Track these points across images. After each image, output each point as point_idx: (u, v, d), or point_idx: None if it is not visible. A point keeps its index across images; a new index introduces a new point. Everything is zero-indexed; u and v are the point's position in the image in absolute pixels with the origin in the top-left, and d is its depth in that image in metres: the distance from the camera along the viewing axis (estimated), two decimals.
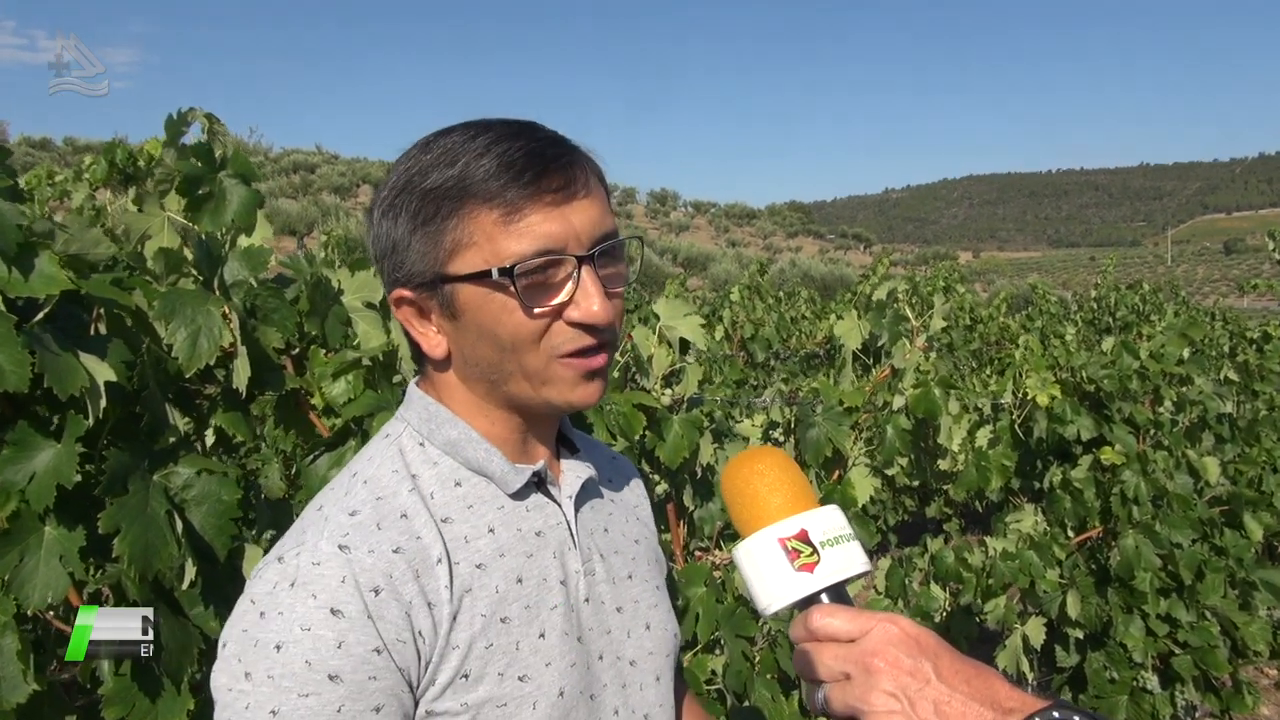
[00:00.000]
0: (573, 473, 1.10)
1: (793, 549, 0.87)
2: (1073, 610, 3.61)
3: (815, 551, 0.87)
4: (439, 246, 0.94)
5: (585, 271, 0.94)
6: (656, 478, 2.48)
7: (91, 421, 1.32)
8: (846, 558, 0.88)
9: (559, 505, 1.07)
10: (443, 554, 0.94)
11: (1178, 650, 3.76)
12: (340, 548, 0.89)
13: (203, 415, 1.65)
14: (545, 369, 0.96)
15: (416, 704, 0.92)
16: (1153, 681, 3.79)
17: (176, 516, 1.40)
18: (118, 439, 1.38)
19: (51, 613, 1.45)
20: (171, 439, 1.46)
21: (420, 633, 0.90)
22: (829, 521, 0.89)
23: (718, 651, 2.36)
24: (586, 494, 1.12)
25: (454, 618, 0.92)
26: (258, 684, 0.85)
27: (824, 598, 0.87)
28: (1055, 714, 0.77)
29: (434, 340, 1.00)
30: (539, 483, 1.06)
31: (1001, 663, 3.58)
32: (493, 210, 0.91)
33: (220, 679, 0.88)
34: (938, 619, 3.34)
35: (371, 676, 0.86)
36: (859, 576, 0.90)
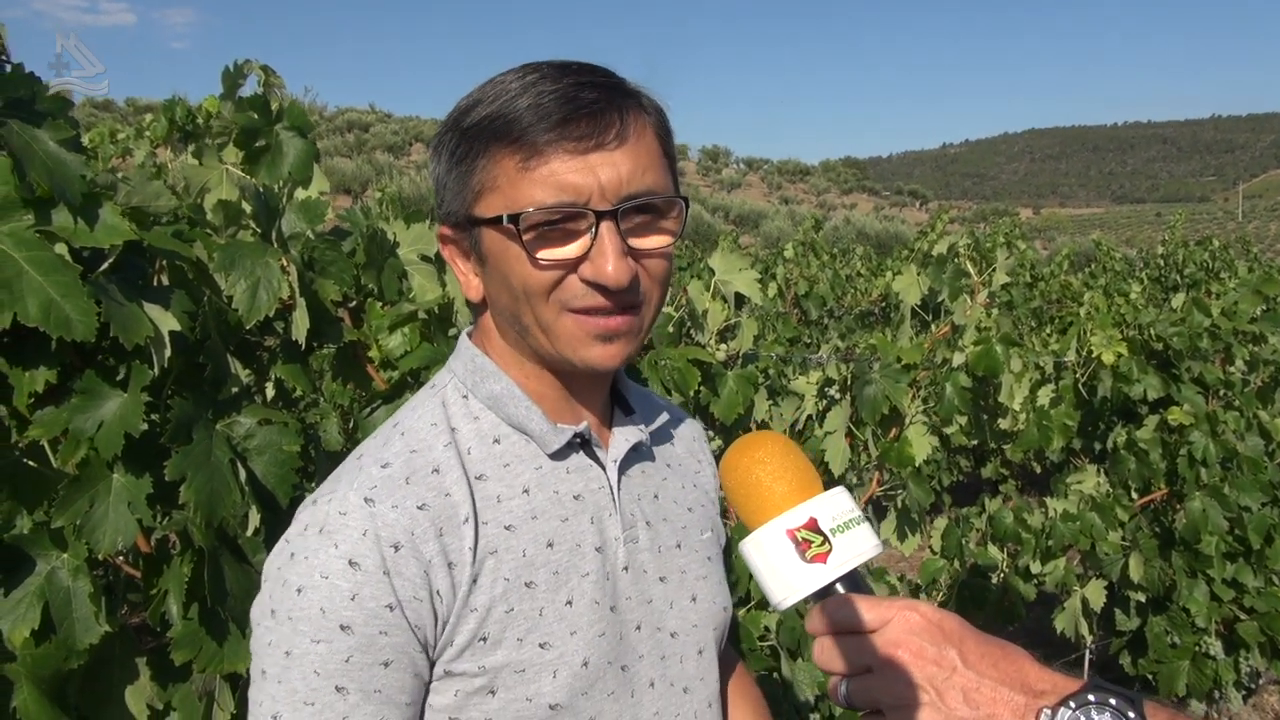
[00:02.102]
0: (622, 435, 1.05)
1: (803, 539, 0.83)
2: (1135, 573, 3.55)
3: (826, 540, 0.83)
4: (468, 187, 0.92)
5: (605, 228, 0.88)
6: (710, 434, 2.47)
7: (156, 371, 1.34)
8: (858, 542, 0.84)
9: (603, 468, 1.02)
10: (470, 513, 0.92)
11: (1243, 616, 3.68)
12: (366, 500, 0.88)
13: (263, 367, 1.67)
14: (555, 322, 0.92)
15: (433, 663, 0.91)
16: (1216, 647, 3.71)
17: (239, 465, 1.42)
18: (182, 389, 1.40)
19: (121, 558, 1.49)
20: (234, 389, 1.48)
21: (438, 592, 0.88)
22: (838, 506, 0.85)
23: (771, 608, 2.35)
24: (636, 457, 1.07)
25: (474, 580, 0.90)
26: (279, 622, 0.86)
27: (839, 587, 0.83)
28: (1091, 696, 0.73)
29: (472, 282, 0.99)
30: (582, 444, 1.01)
31: (1060, 625, 3.54)
32: (515, 154, 0.88)
33: (255, 610, 0.90)
34: (994, 580, 3.30)
35: (382, 631, 0.86)
36: (872, 559, 0.87)
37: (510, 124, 0.88)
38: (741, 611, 2.24)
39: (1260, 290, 4.22)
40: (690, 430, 1.24)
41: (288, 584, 0.87)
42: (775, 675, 2.21)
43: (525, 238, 0.88)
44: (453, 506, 0.91)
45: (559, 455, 0.99)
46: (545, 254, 0.89)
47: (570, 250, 0.89)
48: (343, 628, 0.85)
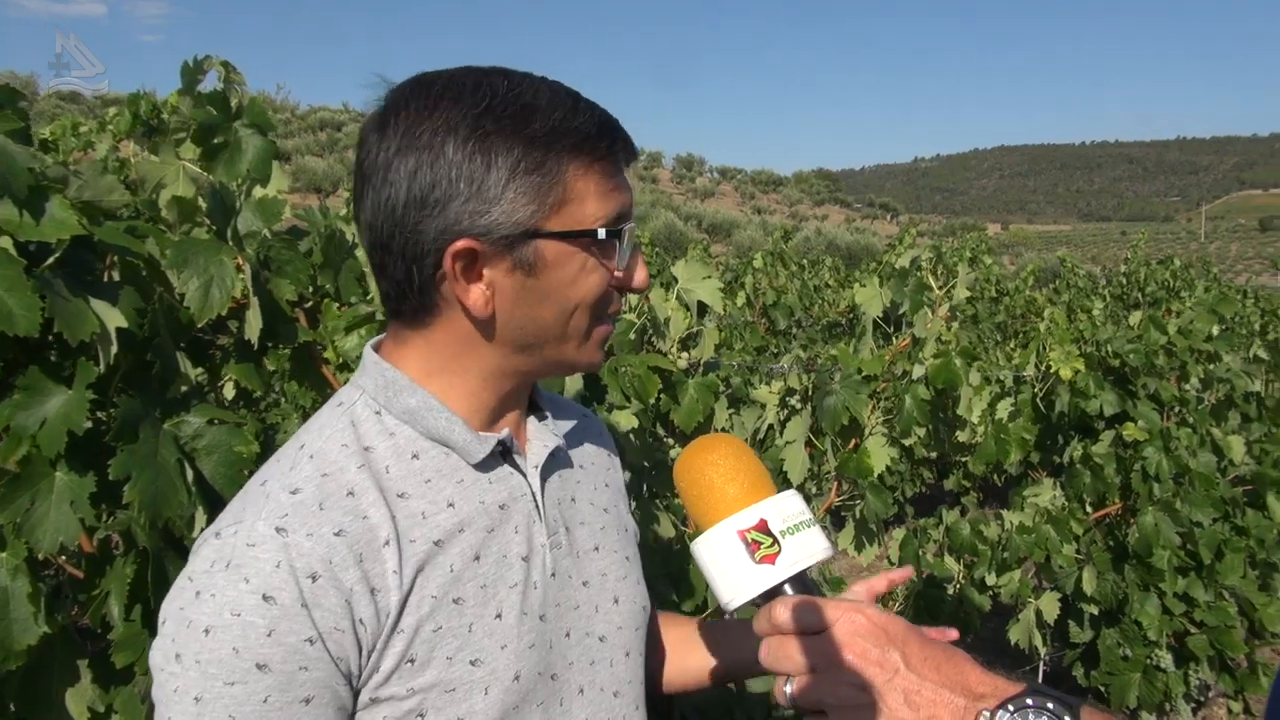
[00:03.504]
0: (539, 440, 1.04)
1: (753, 540, 0.85)
2: (1088, 586, 3.60)
3: (775, 541, 0.85)
4: (541, 199, 0.89)
5: (631, 240, 0.97)
6: (670, 441, 2.47)
7: (102, 368, 1.32)
8: (807, 544, 0.87)
9: (524, 476, 1.01)
10: (391, 535, 0.89)
11: (1194, 629, 3.74)
12: (277, 530, 0.84)
13: (215, 366, 1.65)
14: (590, 331, 0.97)
15: (358, 692, 0.88)
16: (1167, 660, 3.77)
17: (187, 465, 1.41)
18: (129, 387, 1.38)
19: (64, 557, 1.47)
20: (183, 388, 1.46)
21: (361, 620, 0.85)
22: (788, 509, 0.88)
23: (721, 608, 2.36)
24: (554, 462, 1.06)
25: (401, 602, 0.88)
26: (186, 667, 0.82)
27: (788, 588, 0.85)
28: (1029, 700, 0.75)
29: (480, 297, 0.91)
30: (504, 452, 1.00)
31: (1014, 636, 3.58)
32: (593, 169, 0.91)
33: (155, 656, 0.85)
34: (950, 591, 3.33)
35: (303, 667, 0.82)
36: (821, 562, 0.89)
37: (591, 138, 0.91)
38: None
39: (1215, 310, 4.30)
40: (597, 427, 1.25)
41: (193, 625, 0.82)
42: (729, 684, 2.21)
43: (620, 248, 0.94)
44: (371, 529, 0.88)
45: (482, 466, 0.98)
46: (617, 268, 0.95)
47: (623, 261, 0.96)
48: (259, 667, 0.81)
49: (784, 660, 0.82)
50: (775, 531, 0.86)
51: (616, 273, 0.95)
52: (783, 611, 0.83)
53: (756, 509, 0.87)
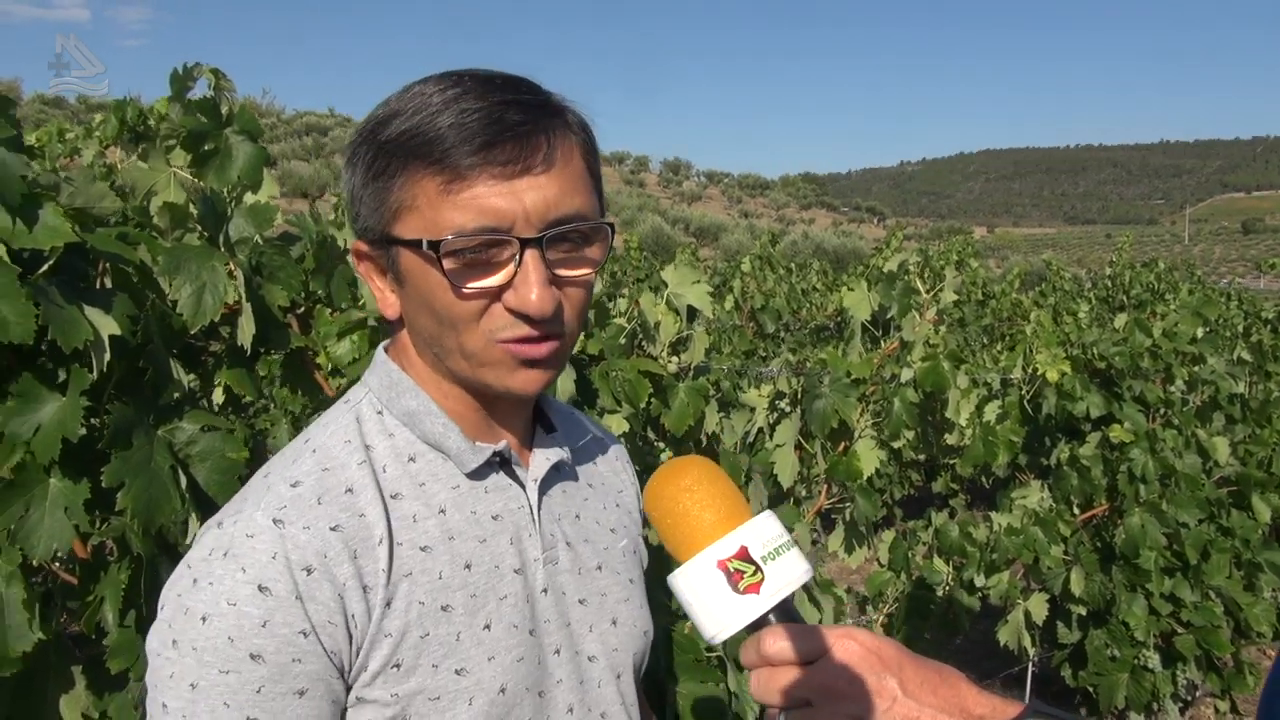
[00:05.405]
0: (543, 454, 1.02)
1: (735, 570, 0.80)
2: (1076, 587, 3.62)
3: (758, 569, 0.80)
4: (384, 205, 0.88)
5: (529, 256, 0.86)
6: (661, 445, 2.48)
7: (95, 375, 1.32)
8: (790, 569, 0.82)
9: (522, 488, 1.00)
10: (385, 534, 0.89)
11: (1180, 630, 3.77)
12: (275, 521, 0.84)
13: (208, 372, 1.65)
14: (483, 351, 0.89)
15: (350, 688, 0.88)
16: (1154, 660, 3.80)
17: (180, 471, 1.41)
18: (122, 393, 1.38)
19: (58, 564, 1.47)
20: (176, 394, 1.46)
21: (353, 616, 0.85)
22: (767, 532, 0.83)
23: (705, 640, 2.36)
24: (558, 476, 1.05)
25: (388, 604, 0.87)
26: (183, 654, 0.82)
27: (771, 616, 0.81)
28: None
29: (389, 299, 0.94)
30: (502, 463, 0.98)
31: (1003, 638, 3.60)
32: (437, 175, 0.84)
33: (152, 641, 0.85)
34: (940, 593, 3.35)
35: (296, 659, 0.82)
36: (802, 585, 0.85)
37: (431, 143, 0.84)
38: (686, 625, 2.26)
39: (1200, 312, 4.35)
40: (614, 450, 1.22)
41: (190, 612, 0.82)
42: (721, 685, 2.22)
43: (447, 265, 0.85)
44: (367, 527, 0.88)
45: (477, 474, 0.97)
46: (470, 284, 0.86)
47: (495, 279, 0.86)
48: (253, 657, 0.81)
49: (776, 694, 0.79)
50: (757, 558, 0.81)
51: (465, 289, 0.86)
52: (772, 643, 0.79)
53: (736, 536, 0.82)
